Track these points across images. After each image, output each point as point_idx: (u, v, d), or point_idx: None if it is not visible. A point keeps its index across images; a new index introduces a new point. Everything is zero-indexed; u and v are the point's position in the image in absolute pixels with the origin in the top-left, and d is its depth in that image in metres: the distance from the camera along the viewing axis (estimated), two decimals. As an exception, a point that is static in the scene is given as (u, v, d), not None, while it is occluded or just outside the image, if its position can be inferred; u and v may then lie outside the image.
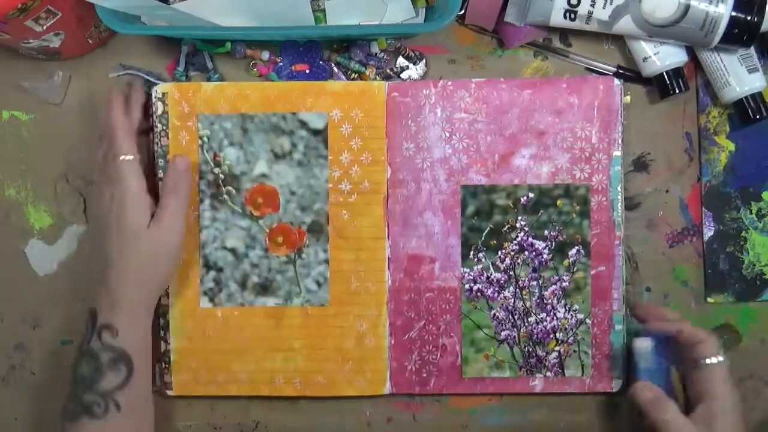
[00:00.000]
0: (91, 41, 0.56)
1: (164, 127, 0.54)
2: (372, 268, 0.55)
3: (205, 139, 0.54)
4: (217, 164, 0.54)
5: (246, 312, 0.55)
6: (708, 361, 0.48)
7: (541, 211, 0.54)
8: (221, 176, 0.54)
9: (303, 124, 0.54)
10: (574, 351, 0.55)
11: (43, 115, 0.59)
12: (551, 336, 0.54)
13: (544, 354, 0.55)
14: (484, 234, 0.54)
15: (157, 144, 0.55)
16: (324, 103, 0.54)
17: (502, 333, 0.55)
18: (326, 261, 0.54)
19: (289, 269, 0.55)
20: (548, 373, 0.55)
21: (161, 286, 0.52)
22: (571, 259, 0.54)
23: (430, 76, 0.58)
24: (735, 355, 0.59)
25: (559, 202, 0.53)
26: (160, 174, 0.55)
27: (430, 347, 0.55)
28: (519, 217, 0.54)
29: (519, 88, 0.53)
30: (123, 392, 0.48)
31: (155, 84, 0.55)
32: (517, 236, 0.54)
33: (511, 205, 0.54)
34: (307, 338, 0.55)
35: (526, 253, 0.54)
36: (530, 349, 0.55)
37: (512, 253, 0.54)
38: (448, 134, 0.54)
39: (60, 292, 0.59)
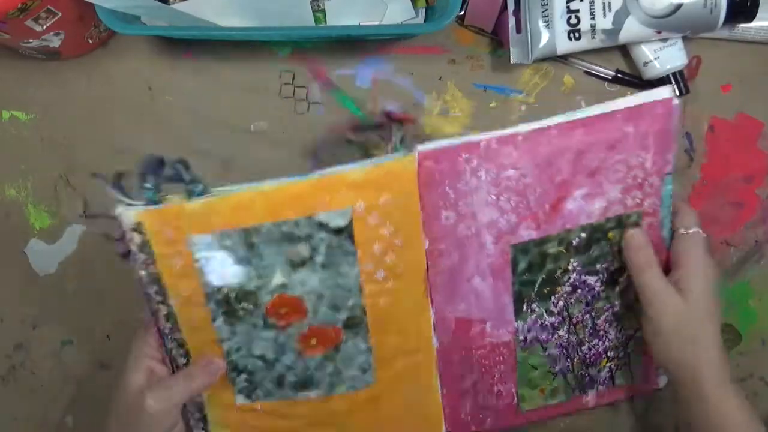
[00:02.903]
0: (91, 41, 0.56)
1: (149, 256, 0.44)
2: (418, 343, 0.50)
3: (203, 261, 0.44)
4: (222, 285, 0.46)
5: (287, 404, 0.49)
6: (683, 230, 0.49)
7: (594, 246, 0.49)
8: (232, 295, 0.45)
9: (321, 226, 0.44)
10: (625, 364, 0.54)
11: (43, 115, 0.59)
12: (603, 356, 0.54)
13: (596, 372, 0.54)
14: (537, 285, 0.50)
15: (145, 271, 0.45)
16: (344, 198, 0.44)
17: (557, 367, 0.53)
18: (368, 350, 0.49)
19: (329, 365, 0.49)
20: (600, 387, 0.55)
21: None
22: (623, 285, 0.51)
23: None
24: (735, 355, 0.59)
25: (610, 234, 0.49)
26: (156, 298, 0.45)
27: (485, 393, 0.53)
28: (571, 260, 0.50)
29: (570, 130, 0.46)
30: None
31: (127, 208, 0.44)
32: (570, 277, 0.50)
33: (564, 250, 0.49)
34: (357, 417, 0.51)
35: (579, 291, 0.51)
36: (583, 372, 0.54)
37: (565, 296, 0.51)
38: (494, 197, 0.47)
39: (60, 292, 0.59)
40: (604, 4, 0.53)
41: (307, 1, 0.56)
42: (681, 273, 0.47)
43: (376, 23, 0.57)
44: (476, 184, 0.47)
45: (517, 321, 0.51)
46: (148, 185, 0.43)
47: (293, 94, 0.59)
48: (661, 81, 0.57)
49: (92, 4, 0.49)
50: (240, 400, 0.49)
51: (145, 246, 0.44)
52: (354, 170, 0.44)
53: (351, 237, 0.45)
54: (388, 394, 0.51)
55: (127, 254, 0.45)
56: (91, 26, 0.55)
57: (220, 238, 0.44)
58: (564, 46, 0.55)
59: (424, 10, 0.58)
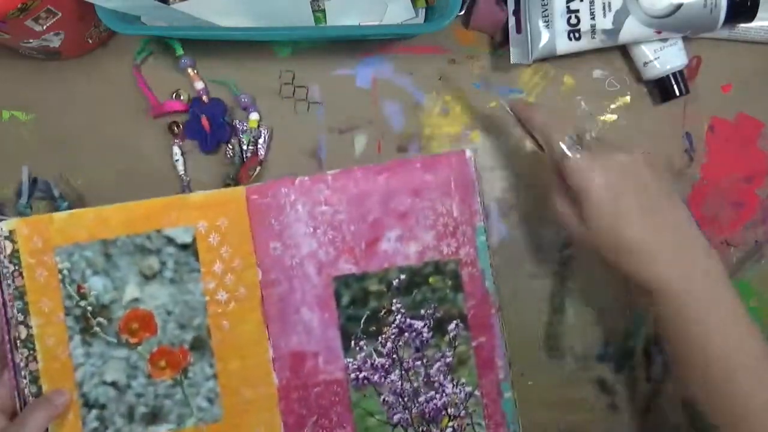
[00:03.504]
0: (91, 41, 0.56)
1: (17, 267, 0.50)
2: (259, 373, 0.52)
3: (66, 272, 0.50)
4: (83, 297, 0.50)
5: None
6: (559, 152, 0.45)
7: (415, 291, 0.52)
8: (89, 308, 0.50)
9: (170, 241, 0.51)
10: (468, 424, 0.53)
11: (43, 115, 0.59)
12: (443, 413, 0.53)
13: (439, 430, 0.53)
14: (362, 321, 0.52)
15: (10, 286, 0.50)
16: (189, 216, 0.51)
17: (395, 417, 0.53)
18: (214, 375, 0.51)
19: (177, 392, 0.51)
20: None
21: None
22: (452, 334, 0.52)
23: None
24: (735, 356, 0.59)
25: (431, 279, 0.52)
26: (18, 317, 0.49)
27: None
28: (394, 300, 0.52)
29: (374, 174, 0.51)
30: None
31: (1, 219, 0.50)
32: (395, 319, 0.52)
33: (385, 290, 0.52)
34: None
35: (406, 334, 0.52)
36: (424, 428, 0.53)
37: (393, 337, 0.52)
38: (312, 228, 0.52)
39: (60, 292, 0.59)
40: (604, 4, 0.53)
41: (307, 1, 0.56)
42: (582, 207, 0.44)
43: (376, 23, 0.57)
44: (295, 216, 0.51)
45: (346, 357, 0.52)
46: (22, 202, 0.51)
47: (293, 94, 0.59)
48: (661, 81, 0.57)
49: (92, 4, 0.49)
50: None
51: (14, 255, 0.50)
52: (197, 194, 0.51)
53: (195, 254, 0.51)
54: (238, 430, 0.52)
55: None
56: (91, 26, 0.55)
57: (83, 248, 0.50)
58: (564, 46, 0.55)
59: (424, 10, 0.58)
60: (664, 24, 0.54)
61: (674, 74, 0.57)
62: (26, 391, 0.50)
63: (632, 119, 0.59)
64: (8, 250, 0.50)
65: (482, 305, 0.52)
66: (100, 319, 0.51)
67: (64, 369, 0.50)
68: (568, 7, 0.54)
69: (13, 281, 0.50)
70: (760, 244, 0.60)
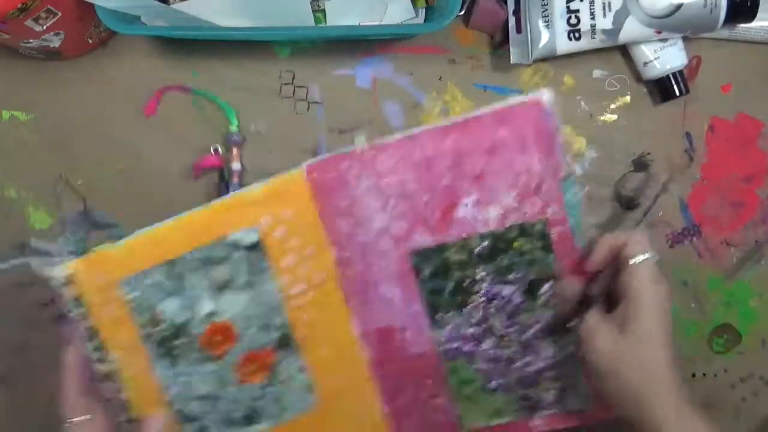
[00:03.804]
0: (91, 41, 0.56)
1: (83, 310, 0.47)
2: (347, 354, 0.50)
3: (135, 303, 0.47)
4: (158, 323, 0.48)
5: None
6: (631, 261, 0.44)
7: (500, 256, 0.48)
8: (166, 333, 0.48)
9: (235, 246, 0.47)
10: (572, 386, 0.51)
11: (43, 115, 0.59)
12: (542, 375, 0.51)
13: (539, 393, 0.51)
14: (446, 293, 0.49)
15: (82, 328, 0.47)
16: (250, 215, 0.47)
17: (492, 383, 0.51)
18: (303, 368, 0.50)
19: (270, 391, 0.50)
20: (547, 411, 0.52)
21: None
22: (545, 297, 0.49)
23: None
24: (735, 355, 0.59)
25: (515, 243, 0.48)
26: (95, 355, 0.47)
27: (426, 410, 0.52)
28: (477, 270, 0.49)
29: (440, 135, 0.46)
30: None
31: (54, 265, 0.46)
32: (482, 288, 0.49)
33: (467, 259, 0.48)
34: None
35: (496, 301, 0.49)
36: (524, 392, 0.51)
37: (481, 305, 0.49)
38: (381, 202, 0.48)
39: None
40: (604, 4, 0.53)
41: (307, 1, 0.56)
42: (626, 306, 0.44)
43: (376, 23, 0.57)
44: (361, 191, 0.47)
45: (433, 330, 0.50)
46: (72, 239, 0.45)
47: (293, 94, 0.59)
48: (661, 81, 0.57)
49: (92, 4, 0.49)
50: None
51: (78, 299, 0.46)
52: (252, 190, 0.47)
53: (263, 252, 0.48)
54: (333, 413, 0.51)
55: (62, 317, 0.46)
56: (91, 26, 0.55)
57: (149, 274, 0.47)
58: (564, 46, 0.55)
59: (424, 10, 0.58)
60: (664, 24, 0.54)
61: (674, 74, 0.57)
62: (122, 420, 0.48)
63: (632, 119, 0.59)
64: (71, 295, 0.46)
65: (576, 264, 0.48)
66: (180, 340, 0.48)
67: (153, 393, 0.49)
68: (568, 7, 0.54)
69: (83, 324, 0.47)
70: (760, 244, 0.59)
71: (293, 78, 0.59)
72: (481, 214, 0.47)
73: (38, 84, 0.58)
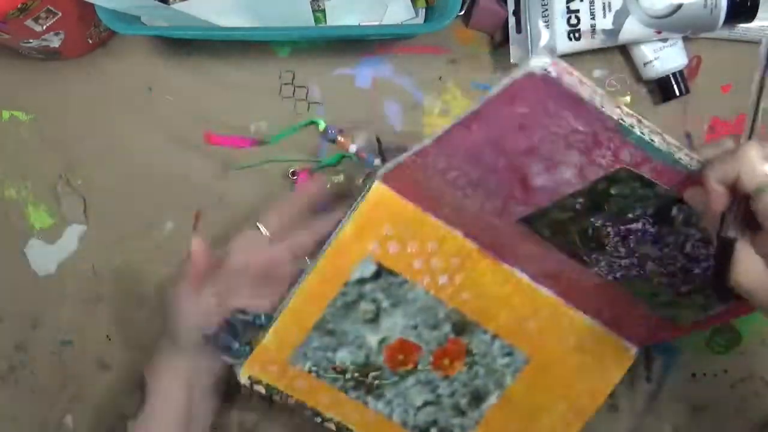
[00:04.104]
0: (91, 41, 0.56)
1: (279, 395, 0.51)
2: (529, 301, 0.52)
3: (314, 368, 0.51)
4: (344, 372, 0.51)
5: (485, 423, 0.53)
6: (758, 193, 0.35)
7: (605, 205, 0.44)
8: (356, 375, 0.52)
9: (362, 281, 0.50)
10: None
11: (43, 115, 0.59)
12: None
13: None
14: (577, 242, 0.47)
15: (289, 405, 0.52)
16: (359, 251, 0.49)
17: (682, 289, 0.48)
18: (495, 336, 0.52)
19: (477, 369, 0.53)
20: None
21: (187, 353, 0.50)
22: (680, 217, 0.44)
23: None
24: (735, 355, 0.59)
25: (612, 191, 0.43)
26: (316, 419, 0.52)
27: (631, 319, 0.52)
28: (591, 219, 0.45)
29: (465, 128, 0.42)
30: (132, 421, 0.48)
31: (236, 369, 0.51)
32: (609, 232, 0.46)
33: (573, 215, 0.46)
34: (546, 388, 0.53)
35: (632, 237, 0.46)
36: (723, 284, 0.43)
37: (620, 242, 0.46)
38: (460, 192, 0.47)
39: (60, 292, 0.59)
40: (604, 4, 0.53)
41: (307, 1, 0.56)
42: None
43: (376, 23, 0.57)
44: (438, 186, 0.47)
45: (590, 268, 0.49)
46: (236, 346, 0.49)
47: (293, 94, 0.59)
48: (661, 81, 0.57)
49: (92, 4, 0.49)
50: None
51: (270, 389, 0.51)
52: (345, 228, 0.48)
53: (390, 272, 0.50)
54: (551, 353, 0.53)
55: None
56: (91, 26, 0.55)
57: (306, 344, 0.50)
58: (564, 46, 0.55)
59: (424, 10, 0.58)
60: (664, 24, 0.54)
61: (674, 74, 0.57)
62: None
63: (632, 119, 0.59)
64: (262, 390, 0.51)
65: (695, 182, 0.40)
66: (373, 374, 0.52)
67: (382, 424, 0.52)
68: (568, 7, 0.54)
69: (288, 402, 0.51)
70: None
71: (293, 78, 0.59)
72: (557, 177, 0.44)
73: (38, 84, 0.58)
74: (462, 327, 0.52)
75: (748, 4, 0.53)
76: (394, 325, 0.51)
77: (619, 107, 0.37)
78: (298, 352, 0.50)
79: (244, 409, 0.58)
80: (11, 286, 0.59)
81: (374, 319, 0.51)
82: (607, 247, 0.47)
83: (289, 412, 0.58)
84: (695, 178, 0.39)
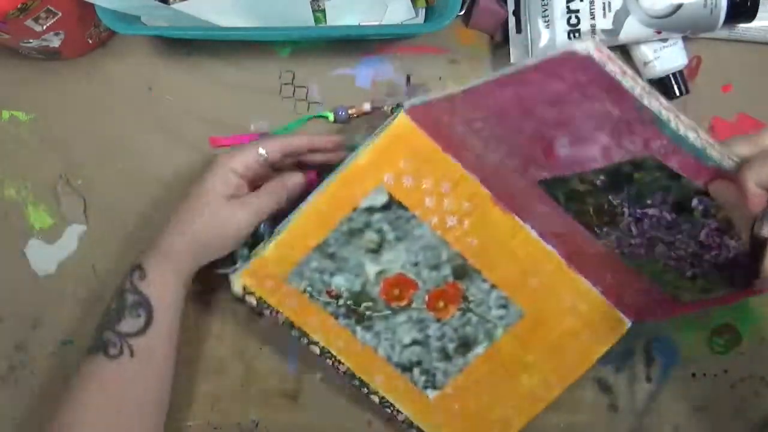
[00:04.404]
0: (91, 41, 0.56)
1: (271, 309, 0.51)
2: (534, 255, 0.52)
3: (309, 289, 0.51)
4: (338, 297, 0.51)
5: (468, 372, 0.54)
6: None
7: (626, 187, 0.44)
8: (349, 302, 0.52)
9: (370, 210, 0.50)
10: None
11: (43, 115, 0.59)
12: (739, 259, 0.46)
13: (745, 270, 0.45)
14: (591, 213, 0.47)
15: (277, 322, 0.52)
16: (371, 179, 0.49)
17: (688, 273, 0.48)
18: (493, 285, 0.52)
19: (470, 316, 0.53)
20: None
21: (205, 257, 0.51)
22: (700, 208, 0.43)
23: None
24: (735, 355, 0.59)
25: (636, 176, 0.43)
26: (303, 341, 0.52)
27: (633, 291, 0.52)
28: (610, 197, 0.45)
29: (500, 88, 0.41)
30: (139, 339, 0.48)
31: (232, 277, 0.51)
32: (624, 212, 0.46)
33: (592, 189, 0.45)
34: (535, 348, 0.54)
35: (646, 221, 0.46)
36: (731, 273, 0.46)
37: (633, 224, 0.46)
38: (483, 142, 0.46)
39: (60, 292, 0.59)
40: (604, 4, 0.53)
41: (307, 1, 0.56)
42: None
43: (376, 23, 0.57)
44: (463, 132, 0.46)
45: (599, 239, 0.49)
46: (245, 253, 0.51)
47: (293, 94, 0.59)
48: (661, 81, 0.57)
49: (92, 4, 0.49)
50: (432, 394, 0.54)
51: (261, 302, 0.51)
52: (361, 155, 0.48)
53: (400, 205, 0.50)
54: (546, 312, 0.53)
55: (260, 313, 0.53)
56: (91, 26, 0.55)
57: (305, 264, 0.50)
58: (564, 46, 0.55)
59: (424, 10, 0.58)
60: (664, 24, 0.54)
61: (674, 74, 0.57)
62: (352, 384, 0.53)
63: (632, 119, 0.59)
64: (254, 302, 0.51)
65: (720, 175, 0.40)
66: (365, 304, 0.52)
67: (367, 355, 0.53)
68: (568, 7, 0.54)
69: (277, 318, 0.51)
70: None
71: (293, 78, 0.59)
72: (582, 151, 0.43)
73: (38, 84, 0.58)
74: (462, 272, 0.52)
75: (748, 4, 0.53)
76: (396, 258, 0.51)
77: (658, 100, 0.36)
78: (296, 271, 0.50)
79: (244, 410, 0.58)
80: (11, 286, 0.59)
81: (377, 250, 0.51)
82: (620, 225, 0.47)
83: (289, 414, 0.58)
84: (723, 173, 0.39)
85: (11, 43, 0.53)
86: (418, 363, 0.53)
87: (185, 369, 0.57)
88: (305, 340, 0.52)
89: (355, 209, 0.50)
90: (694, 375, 0.60)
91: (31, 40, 0.52)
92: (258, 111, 0.58)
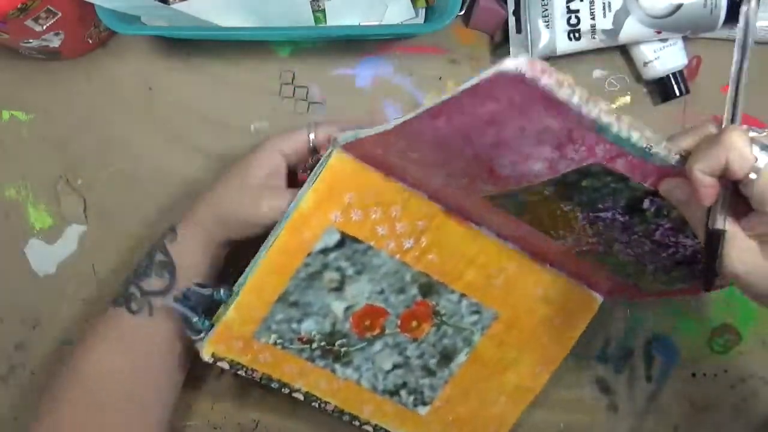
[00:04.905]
0: (91, 41, 0.56)
1: (246, 370, 0.51)
2: (495, 258, 0.52)
3: (279, 341, 0.50)
4: (310, 342, 0.51)
5: (454, 382, 0.54)
6: (751, 175, 0.35)
7: (575, 195, 0.44)
8: (323, 344, 0.51)
9: (325, 251, 0.49)
10: None
11: (43, 115, 0.59)
12: (699, 256, 0.46)
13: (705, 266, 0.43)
14: (545, 220, 0.47)
15: (257, 379, 0.51)
16: (317, 222, 0.48)
17: (649, 267, 0.49)
18: (462, 296, 0.52)
19: (445, 329, 0.53)
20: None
21: (230, 232, 0.50)
22: (652, 209, 0.43)
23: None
24: (735, 355, 0.59)
25: (584, 183, 0.42)
26: (284, 390, 0.52)
27: (599, 280, 0.53)
28: (561, 204, 0.45)
29: (432, 120, 0.39)
30: (158, 299, 0.48)
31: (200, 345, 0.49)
32: (578, 216, 0.46)
33: (542, 198, 0.44)
34: (514, 343, 0.54)
35: (600, 223, 0.46)
36: (688, 268, 0.47)
37: (587, 227, 0.46)
38: (422, 168, 0.46)
39: (60, 292, 0.59)
40: (604, 4, 0.53)
41: (307, 1, 0.56)
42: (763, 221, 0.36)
43: (376, 23, 0.57)
44: (399, 158, 0.45)
45: (555, 241, 0.49)
46: (194, 319, 0.48)
47: (293, 94, 0.59)
48: (661, 81, 0.57)
49: (92, 4, 0.49)
50: (423, 411, 0.54)
51: (235, 365, 0.50)
52: (304, 200, 0.47)
53: (354, 239, 0.49)
54: (519, 309, 0.53)
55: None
56: (91, 26, 0.55)
57: (270, 318, 0.49)
58: (564, 46, 0.55)
59: (424, 10, 0.58)
60: (664, 24, 0.54)
61: (674, 74, 0.57)
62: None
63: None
64: (227, 365, 0.50)
65: (668, 174, 0.40)
66: (339, 342, 0.51)
67: (351, 390, 0.52)
68: (568, 7, 0.54)
69: (254, 376, 0.51)
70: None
71: (293, 78, 0.59)
72: (526, 168, 0.42)
73: (38, 84, 0.58)
74: (428, 288, 0.52)
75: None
76: (360, 291, 0.51)
77: (598, 105, 0.36)
78: (262, 327, 0.50)
79: (244, 410, 0.58)
80: (11, 286, 0.59)
81: (339, 288, 0.50)
82: (575, 228, 0.47)
83: (289, 414, 0.58)
84: (671, 170, 0.38)
85: (11, 43, 0.53)
86: (404, 385, 0.53)
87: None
88: (287, 390, 0.51)
89: (309, 254, 0.48)
90: (694, 375, 0.60)
91: (31, 40, 0.52)
92: (258, 111, 0.58)
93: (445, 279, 0.51)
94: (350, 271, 0.50)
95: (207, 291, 0.48)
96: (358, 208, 0.49)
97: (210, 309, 0.49)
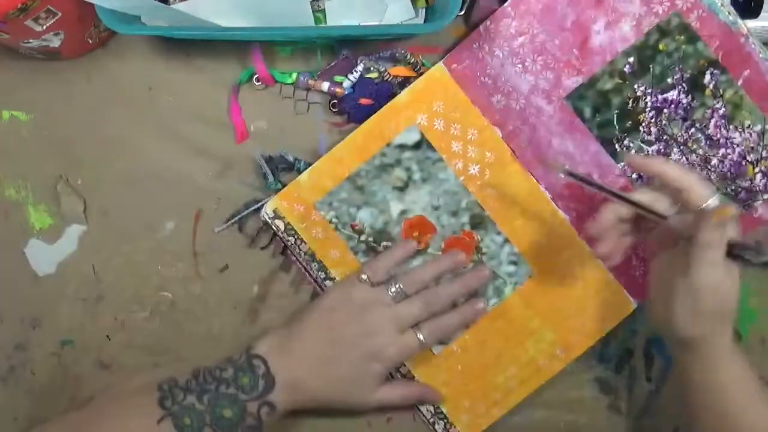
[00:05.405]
0: (91, 41, 0.56)
1: (296, 237, 0.55)
2: (545, 217, 0.54)
3: (335, 220, 0.55)
4: (360, 232, 0.54)
5: (475, 330, 0.55)
6: (701, 206, 0.44)
7: (651, 65, 0.51)
8: (370, 239, 0.55)
9: (402, 147, 0.54)
10: None
11: (43, 115, 0.59)
12: (743, 163, 0.51)
13: (749, 182, 0.52)
14: (615, 121, 0.52)
15: (299, 254, 0.55)
16: (405, 117, 0.54)
17: None
18: (506, 240, 0.54)
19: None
20: (765, 196, 0.53)
21: (319, 405, 0.53)
22: (711, 85, 0.50)
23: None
24: (735, 356, 0.59)
25: (660, 45, 0.50)
26: (320, 275, 0.55)
27: (641, 248, 0.54)
28: (635, 86, 0.51)
29: None
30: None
31: (259, 208, 0.55)
32: (647, 103, 0.51)
33: (620, 81, 0.51)
34: (541, 311, 0.55)
35: (665, 111, 0.51)
36: (732, 187, 0.52)
37: (653, 120, 0.51)
38: (520, 65, 0.52)
39: (60, 292, 0.59)
40: (604, 3, 0.54)
41: (307, 1, 0.56)
42: (693, 258, 0.44)
43: (376, 23, 0.57)
44: (499, 62, 0.52)
45: (618, 162, 0.52)
46: (271, 181, 0.55)
47: (293, 94, 0.59)
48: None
49: (92, 4, 0.49)
50: (437, 349, 0.55)
51: (288, 229, 0.54)
52: (400, 96, 0.54)
53: (430, 146, 0.54)
54: (554, 276, 0.54)
55: (283, 250, 0.57)
56: (91, 26, 0.55)
57: (335, 193, 0.54)
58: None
59: (424, 10, 0.58)
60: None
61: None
62: None
63: (632, 119, 0.59)
64: (282, 227, 0.54)
65: (728, 40, 0.50)
66: (385, 243, 0.55)
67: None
68: (568, 7, 0.54)
69: (300, 249, 0.55)
70: (761, 244, 0.59)
71: (293, 78, 0.59)
72: (616, 32, 0.50)
73: (38, 84, 0.58)
74: (479, 221, 0.54)
75: (752, 3, 0.53)
76: (419, 199, 0.54)
77: None
78: (325, 200, 0.54)
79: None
80: (11, 286, 0.59)
81: (402, 188, 0.54)
82: (640, 127, 0.50)
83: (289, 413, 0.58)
84: (731, 33, 0.48)
85: (11, 43, 0.53)
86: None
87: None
88: (323, 275, 0.55)
89: (388, 144, 0.53)
90: (694, 375, 0.60)
91: (31, 40, 0.52)
92: (258, 111, 0.58)
93: (496, 217, 0.54)
94: (417, 176, 0.54)
95: (290, 157, 0.55)
96: (443, 118, 0.54)
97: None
